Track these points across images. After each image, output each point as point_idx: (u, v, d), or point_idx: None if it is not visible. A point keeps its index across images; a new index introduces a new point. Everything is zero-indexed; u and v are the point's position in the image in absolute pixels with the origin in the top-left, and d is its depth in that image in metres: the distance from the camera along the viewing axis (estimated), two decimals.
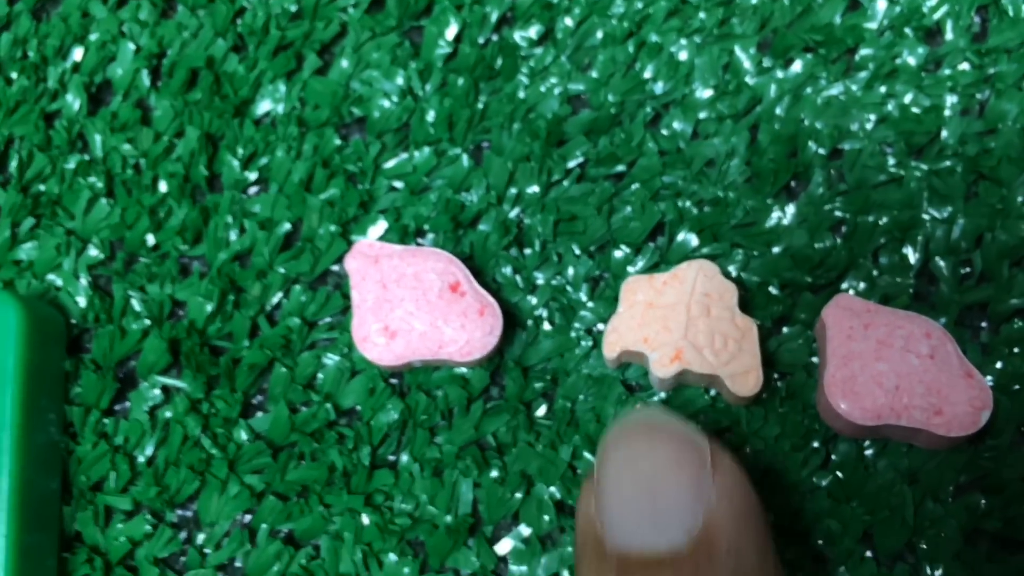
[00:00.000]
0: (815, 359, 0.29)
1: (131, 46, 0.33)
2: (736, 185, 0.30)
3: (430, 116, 0.31)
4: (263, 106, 0.32)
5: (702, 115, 0.31)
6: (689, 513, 0.21)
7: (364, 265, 0.28)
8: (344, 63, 0.32)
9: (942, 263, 0.29)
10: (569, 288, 0.30)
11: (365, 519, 0.28)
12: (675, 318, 0.27)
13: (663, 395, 0.29)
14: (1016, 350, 0.28)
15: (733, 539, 0.21)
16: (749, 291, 0.29)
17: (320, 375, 0.29)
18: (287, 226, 0.30)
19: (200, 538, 0.28)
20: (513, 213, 0.30)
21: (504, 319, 0.30)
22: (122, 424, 0.29)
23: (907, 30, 0.31)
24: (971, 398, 0.26)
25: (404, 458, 0.29)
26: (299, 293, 0.30)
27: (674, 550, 0.21)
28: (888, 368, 0.26)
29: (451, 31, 0.32)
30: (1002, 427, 0.27)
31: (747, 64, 0.31)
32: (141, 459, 0.29)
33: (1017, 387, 0.28)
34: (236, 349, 0.29)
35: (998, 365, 0.28)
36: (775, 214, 0.30)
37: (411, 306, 0.28)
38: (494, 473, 0.28)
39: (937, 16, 0.31)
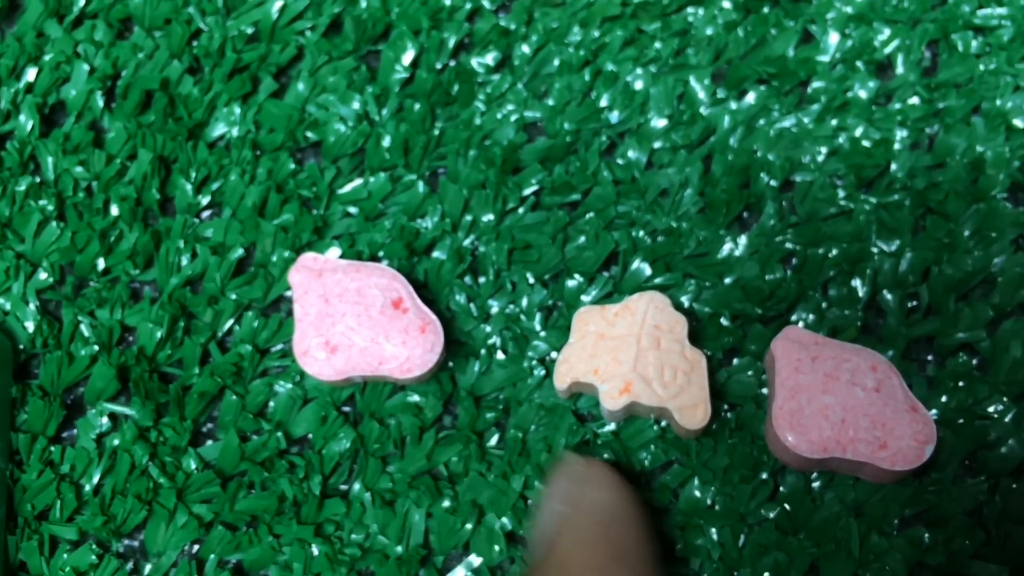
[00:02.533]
0: (765, 390, 0.29)
1: (85, 67, 0.32)
2: (689, 215, 0.30)
3: (386, 141, 0.31)
4: (217, 129, 0.32)
5: (657, 145, 0.31)
6: (550, 526, 0.25)
7: (307, 279, 0.28)
8: (300, 87, 0.32)
9: (889, 296, 0.29)
10: (523, 317, 0.30)
11: (315, 549, 0.28)
12: (625, 350, 0.28)
13: (613, 426, 0.29)
14: (961, 384, 0.28)
15: (558, 535, 0.25)
16: (700, 322, 0.30)
17: (272, 403, 0.29)
18: (240, 251, 0.30)
19: (147, 569, 0.28)
20: (468, 241, 0.30)
21: (458, 348, 0.30)
22: (69, 452, 0.29)
23: (859, 64, 0.32)
24: (915, 432, 0.26)
25: (356, 487, 0.29)
26: (251, 319, 0.30)
27: (531, 564, 0.25)
28: (834, 401, 0.27)
29: (408, 56, 0.32)
30: (946, 461, 0.28)
31: (701, 95, 0.31)
32: (87, 488, 0.28)
33: (962, 421, 0.28)
34: (186, 376, 0.29)
35: (943, 399, 0.28)
36: (727, 245, 0.30)
37: (352, 321, 0.28)
38: (446, 503, 0.28)
39: (888, 50, 0.32)
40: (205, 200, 0.31)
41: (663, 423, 0.29)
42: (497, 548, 0.28)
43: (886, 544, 0.27)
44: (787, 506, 0.28)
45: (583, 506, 0.25)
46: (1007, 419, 0.28)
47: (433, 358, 0.28)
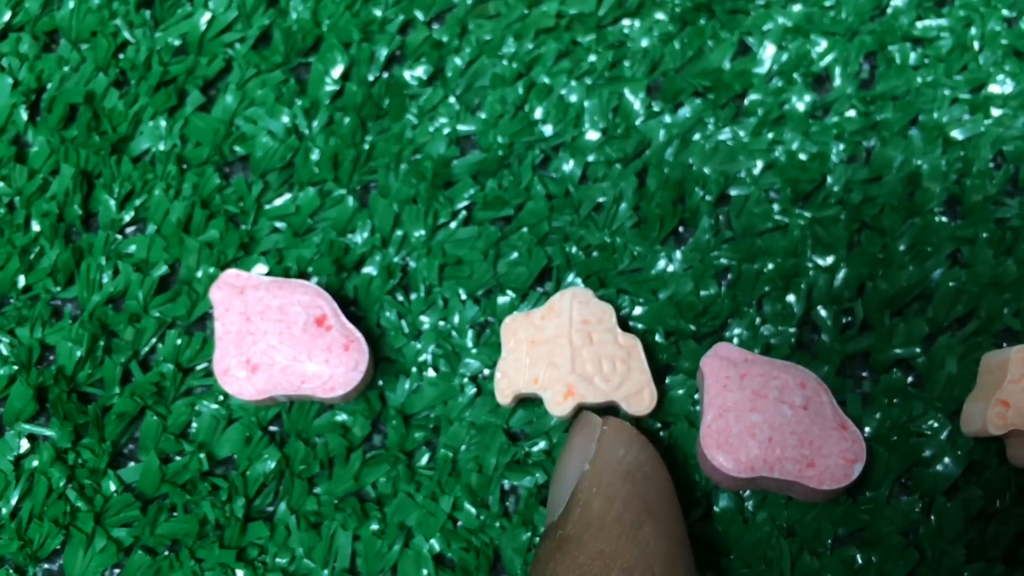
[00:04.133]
0: (699, 408, 0.28)
1: (9, 80, 0.31)
2: (624, 230, 0.30)
3: (315, 155, 0.31)
4: (143, 143, 0.31)
5: (591, 158, 0.31)
6: (570, 484, 0.24)
7: (229, 296, 0.27)
8: (228, 100, 0.31)
9: (824, 312, 0.29)
10: (454, 334, 0.29)
11: (239, 574, 0.27)
12: (560, 352, 0.27)
13: (545, 444, 0.28)
14: (896, 400, 0.28)
15: (585, 493, 0.24)
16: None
17: (194, 423, 0.28)
18: (164, 268, 0.29)
19: None
20: (398, 256, 0.30)
21: (388, 366, 0.29)
22: None
23: (796, 76, 0.31)
24: (843, 450, 0.26)
25: (281, 510, 0.28)
26: (174, 338, 0.29)
27: (553, 522, 0.24)
28: (762, 419, 0.26)
29: (338, 69, 0.31)
30: (880, 479, 0.27)
31: (637, 107, 0.31)
32: (4, 511, 0.28)
33: (895, 438, 0.28)
34: (106, 396, 0.28)
35: (877, 416, 0.28)
36: (661, 261, 0.30)
37: (274, 339, 0.27)
38: (373, 525, 0.28)
39: (825, 63, 0.31)
40: (128, 216, 0.30)
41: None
42: (425, 572, 0.27)
43: (818, 565, 0.27)
44: (719, 527, 0.27)
45: (609, 463, 0.24)
46: (942, 436, 0.27)
47: (357, 377, 0.27)
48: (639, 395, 0.27)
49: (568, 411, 0.27)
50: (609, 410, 0.27)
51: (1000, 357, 0.26)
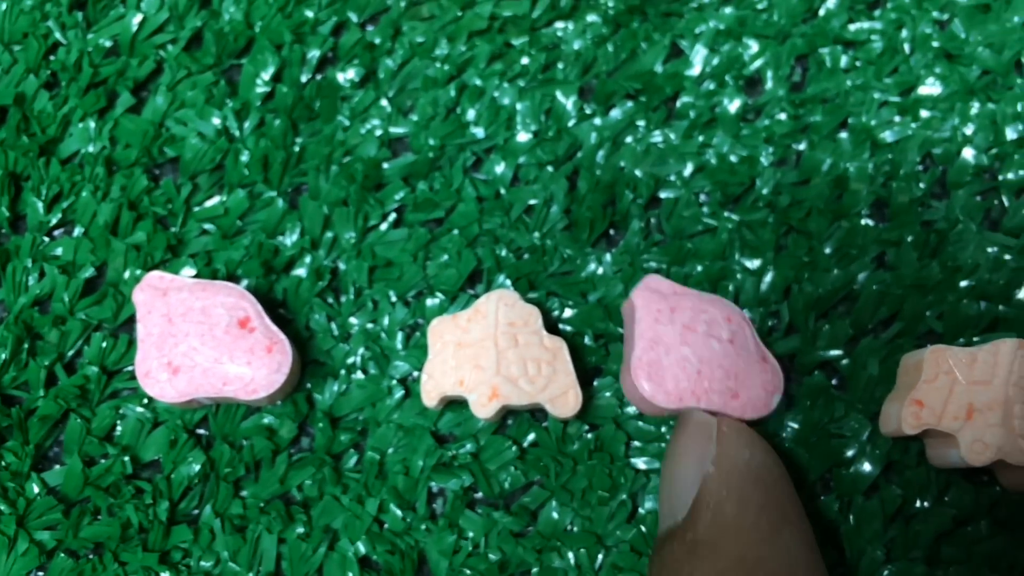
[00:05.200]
0: (629, 409, 0.28)
1: None
2: (554, 233, 0.30)
3: (244, 157, 0.30)
4: (72, 145, 0.31)
5: (522, 160, 0.31)
6: (691, 487, 0.24)
7: (152, 298, 0.27)
8: (159, 101, 0.31)
9: (750, 315, 0.29)
10: (384, 336, 0.29)
11: None
12: (485, 355, 0.27)
13: (471, 447, 0.28)
14: (820, 401, 0.28)
15: (715, 496, 0.23)
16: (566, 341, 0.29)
17: (119, 426, 0.28)
18: (90, 270, 0.29)
19: None
20: (328, 258, 0.30)
21: (316, 368, 0.29)
22: None
23: (727, 79, 0.31)
24: (764, 382, 0.26)
25: (206, 513, 0.28)
26: (99, 340, 0.29)
27: (677, 523, 0.24)
28: (691, 353, 0.27)
29: (270, 71, 0.31)
30: (801, 480, 0.27)
31: (569, 110, 0.31)
32: None
33: (816, 439, 0.28)
34: (31, 399, 0.28)
35: (800, 417, 0.28)
36: (592, 263, 0.30)
37: (196, 341, 0.27)
38: (299, 528, 0.28)
39: (757, 65, 0.31)
40: (56, 218, 0.30)
41: (525, 442, 0.28)
42: (350, 574, 0.27)
43: None
44: (643, 528, 0.27)
45: (735, 465, 0.24)
46: (863, 437, 0.28)
47: (279, 379, 0.27)
48: (564, 397, 0.27)
49: (492, 413, 0.27)
50: (535, 412, 0.28)
51: (916, 357, 0.26)
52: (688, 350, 0.27)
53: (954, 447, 0.25)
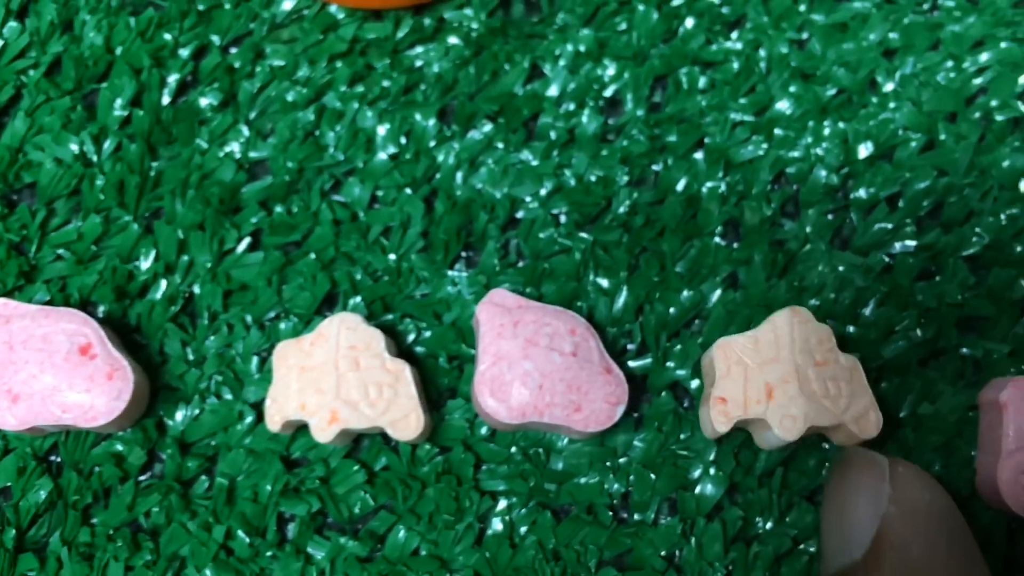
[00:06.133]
0: (481, 431, 0.28)
1: None
2: (410, 255, 0.30)
3: (100, 182, 0.30)
4: None
5: (381, 183, 0.31)
6: (868, 526, 0.24)
7: None
8: (17, 126, 0.31)
9: (611, 331, 0.29)
10: (238, 360, 0.29)
11: None
12: (325, 379, 0.27)
13: (322, 471, 0.28)
14: (667, 422, 0.28)
15: (900, 536, 0.23)
16: (419, 362, 0.29)
17: None
18: None
19: None
20: (184, 283, 0.30)
21: (169, 394, 0.29)
22: None
23: (587, 100, 0.31)
24: (607, 394, 0.26)
25: (54, 540, 0.28)
26: None
27: (855, 561, 0.24)
28: (533, 367, 0.27)
29: (128, 95, 0.31)
30: (646, 502, 0.27)
31: (428, 132, 0.31)
32: None
33: (661, 460, 0.28)
34: None
35: (648, 438, 0.28)
36: (448, 286, 0.30)
37: (35, 369, 0.27)
38: (147, 556, 0.27)
39: (616, 87, 0.32)
40: None
41: (377, 465, 0.28)
42: None
43: None
44: (487, 553, 0.27)
45: (916, 507, 0.24)
46: (709, 457, 0.28)
47: (120, 406, 0.27)
48: (405, 420, 0.27)
49: (332, 437, 0.27)
50: (379, 435, 0.28)
51: (708, 357, 0.27)
52: (530, 364, 0.27)
53: (769, 429, 0.25)
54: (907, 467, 0.24)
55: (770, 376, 0.26)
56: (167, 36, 0.32)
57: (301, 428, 0.28)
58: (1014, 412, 0.26)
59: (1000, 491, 0.26)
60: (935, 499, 0.24)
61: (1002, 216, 0.30)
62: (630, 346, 0.29)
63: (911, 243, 0.29)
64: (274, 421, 0.27)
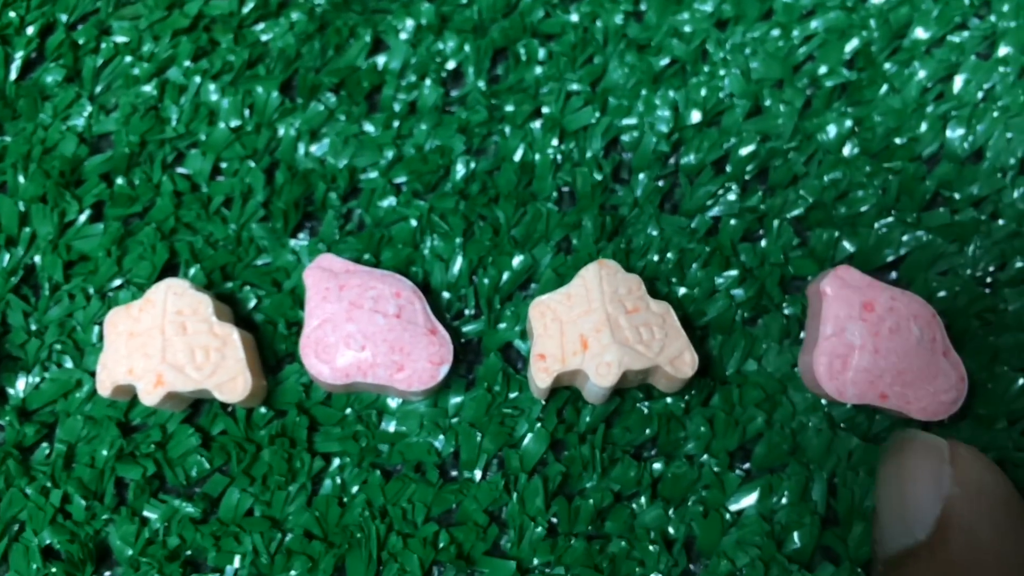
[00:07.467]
0: (316, 395, 0.29)
1: None
2: (251, 224, 0.31)
3: None
4: None
5: (223, 155, 0.31)
6: (930, 507, 0.23)
7: None
8: None
9: (447, 295, 0.30)
10: (79, 329, 0.30)
11: None
12: (152, 343, 0.28)
13: (159, 436, 0.28)
14: (497, 383, 0.29)
15: (967, 518, 0.23)
16: (259, 330, 0.30)
17: None
18: None
19: None
20: (28, 256, 0.30)
21: (11, 364, 0.29)
22: None
23: (429, 72, 0.32)
24: (431, 354, 0.27)
25: None
26: None
27: (919, 542, 0.23)
28: (356, 329, 0.27)
29: None
30: (473, 460, 0.28)
31: (270, 105, 0.32)
32: None
33: (487, 419, 0.28)
34: None
35: (477, 398, 0.29)
36: (288, 255, 0.30)
37: None
38: None
39: (457, 60, 0.32)
40: None
41: (215, 430, 0.29)
42: (35, 565, 0.28)
43: (401, 544, 0.27)
44: (317, 512, 0.28)
45: (982, 490, 0.23)
46: (533, 415, 0.28)
47: None
48: (232, 383, 0.27)
49: (158, 400, 0.27)
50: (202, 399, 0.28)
51: (528, 323, 0.27)
52: (354, 326, 0.27)
53: (588, 379, 0.26)
54: (968, 450, 0.24)
55: (584, 327, 0.27)
56: (12, 14, 0.32)
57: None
58: (833, 299, 0.27)
59: (816, 376, 0.27)
60: (998, 481, 0.24)
61: (825, 178, 0.31)
62: (467, 311, 0.30)
63: (735, 204, 0.30)
64: (105, 386, 0.28)
